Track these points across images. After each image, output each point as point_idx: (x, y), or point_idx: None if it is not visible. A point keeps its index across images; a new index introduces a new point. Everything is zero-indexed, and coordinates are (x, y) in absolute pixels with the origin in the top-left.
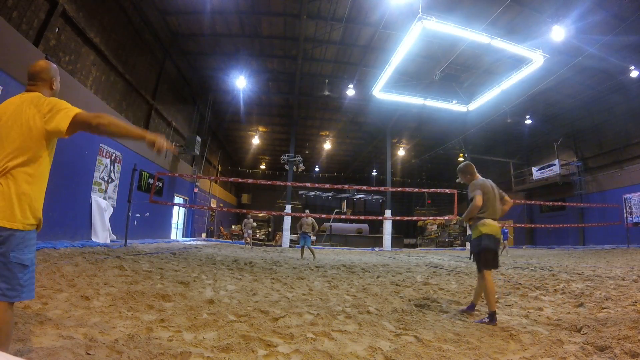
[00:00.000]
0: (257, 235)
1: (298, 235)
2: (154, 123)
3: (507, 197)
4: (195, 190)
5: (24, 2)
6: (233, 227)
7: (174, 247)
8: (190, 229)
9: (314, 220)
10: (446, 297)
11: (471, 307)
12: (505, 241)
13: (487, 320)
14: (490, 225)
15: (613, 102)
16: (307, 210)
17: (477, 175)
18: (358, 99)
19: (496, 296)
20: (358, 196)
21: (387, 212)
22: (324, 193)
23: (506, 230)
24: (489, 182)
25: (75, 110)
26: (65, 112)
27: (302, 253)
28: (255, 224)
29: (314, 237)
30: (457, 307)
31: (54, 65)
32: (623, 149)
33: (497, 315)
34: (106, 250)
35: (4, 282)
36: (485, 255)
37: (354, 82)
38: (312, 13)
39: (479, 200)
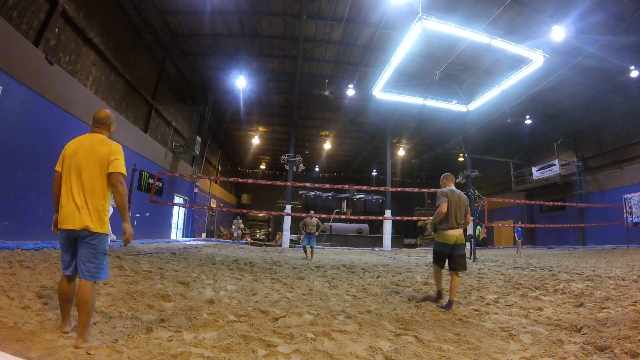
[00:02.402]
0: (258, 235)
1: (300, 235)
2: (154, 123)
3: (469, 216)
4: (195, 190)
5: (24, 2)
6: (233, 227)
7: (174, 247)
8: (190, 229)
9: (318, 220)
10: (446, 297)
11: (449, 304)
12: (520, 239)
13: (437, 298)
14: (446, 236)
15: (613, 102)
16: (312, 211)
17: (450, 183)
18: (358, 99)
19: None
20: (358, 196)
21: (387, 212)
22: (324, 193)
23: (519, 229)
24: (457, 192)
25: (122, 167)
26: (119, 163)
27: (305, 252)
28: (242, 225)
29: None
30: (457, 307)
31: (113, 114)
32: (623, 149)
33: (442, 293)
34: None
35: (96, 267)
36: (435, 255)
37: (354, 82)
38: (312, 13)
39: (443, 207)
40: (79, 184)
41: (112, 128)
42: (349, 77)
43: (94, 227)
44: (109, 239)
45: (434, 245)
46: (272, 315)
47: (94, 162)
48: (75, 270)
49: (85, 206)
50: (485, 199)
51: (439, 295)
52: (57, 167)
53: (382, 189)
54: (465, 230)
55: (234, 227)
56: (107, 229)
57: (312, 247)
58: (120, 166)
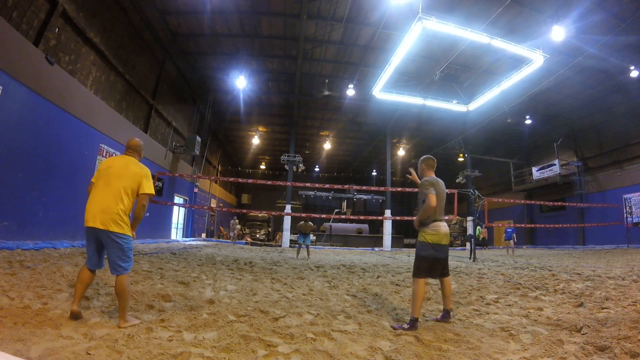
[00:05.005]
0: (258, 235)
1: (297, 235)
2: (154, 123)
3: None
4: (195, 190)
5: (24, 2)
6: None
7: (174, 247)
8: (190, 229)
9: (311, 223)
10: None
11: (446, 315)
12: (511, 240)
13: (406, 326)
14: (439, 234)
15: (613, 102)
16: (310, 214)
17: (432, 172)
18: (358, 99)
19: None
20: (358, 196)
21: (387, 212)
22: (324, 193)
23: (510, 230)
24: (440, 182)
25: (150, 188)
26: (148, 184)
27: (298, 251)
28: (239, 225)
29: (314, 237)
30: (457, 308)
31: (142, 142)
32: (623, 149)
33: (418, 324)
34: None
35: (125, 261)
36: (419, 263)
37: (354, 82)
38: (312, 13)
39: (432, 200)
40: (107, 191)
41: (142, 155)
42: (349, 77)
43: (116, 229)
44: (132, 238)
45: (420, 249)
46: (272, 315)
47: (125, 176)
48: (97, 265)
49: (109, 210)
50: (485, 199)
51: (414, 324)
52: (93, 179)
53: (382, 189)
54: (465, 230)
55: (231, 227)
56: (129, 230)
57: (307, 246)
58: (149, 188)
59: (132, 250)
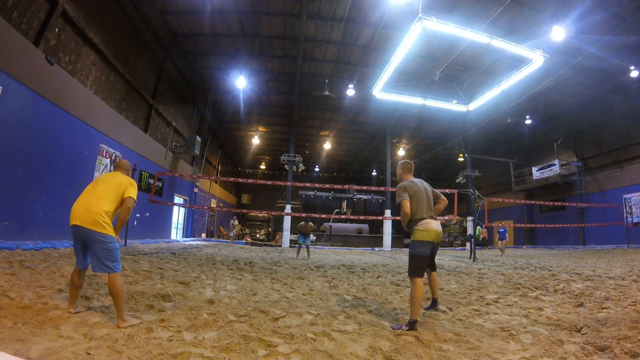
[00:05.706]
0: (258, 235)
1: (297, 235)
2: (154, 123)
3: (442, 197)
4: (195, 190)
5: (24, 2)
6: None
7: (174, 247)
8: (190, 229)
9: (311, 223)
10: (446, 297)
11: (434, 304)
12: (504, 240)
13: (405, 328)
14: (427, 231)
15: (613, 102)
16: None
17: (409, 175)
18: (358, 99)
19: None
20: (358, 196)
21: (387, 212)
22: (324, 193)
23: (503, 230)
24: (418, 181)
25: (135, 194)
26: (134, 191)
27: (298, 251)
28: (238, 225)
29: (314, 237)
30: (457, 308)
31: (130, 163)
32: (623, 149)
33: (417, 325)
34: None
35: (111, 261)
36: (414, 263)
37: (354, 82)
38: (312, 13)
39: (406, 206)
40: (92, 193)
41: (130, 172)
42: (349, 77)
43: (97, 228)
44: (116, 239)
45: (413, 248)
46: (272, 315)
47: (112, 182)
48: (85, 265)
49: (90, 210)
50: (485, 199)
51: (414, 325)
52: None
53: (382, 189)
54: (464, 230)
55: (230, 226)
56: (111, 232)
57: (307, 246)
58: (133, 193)
59: (119, 250)
